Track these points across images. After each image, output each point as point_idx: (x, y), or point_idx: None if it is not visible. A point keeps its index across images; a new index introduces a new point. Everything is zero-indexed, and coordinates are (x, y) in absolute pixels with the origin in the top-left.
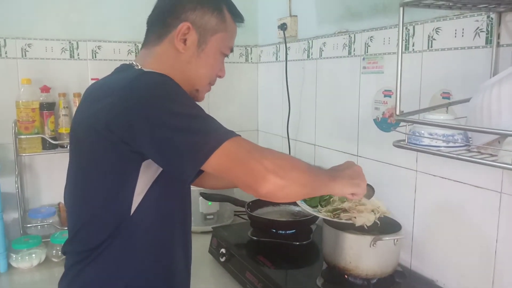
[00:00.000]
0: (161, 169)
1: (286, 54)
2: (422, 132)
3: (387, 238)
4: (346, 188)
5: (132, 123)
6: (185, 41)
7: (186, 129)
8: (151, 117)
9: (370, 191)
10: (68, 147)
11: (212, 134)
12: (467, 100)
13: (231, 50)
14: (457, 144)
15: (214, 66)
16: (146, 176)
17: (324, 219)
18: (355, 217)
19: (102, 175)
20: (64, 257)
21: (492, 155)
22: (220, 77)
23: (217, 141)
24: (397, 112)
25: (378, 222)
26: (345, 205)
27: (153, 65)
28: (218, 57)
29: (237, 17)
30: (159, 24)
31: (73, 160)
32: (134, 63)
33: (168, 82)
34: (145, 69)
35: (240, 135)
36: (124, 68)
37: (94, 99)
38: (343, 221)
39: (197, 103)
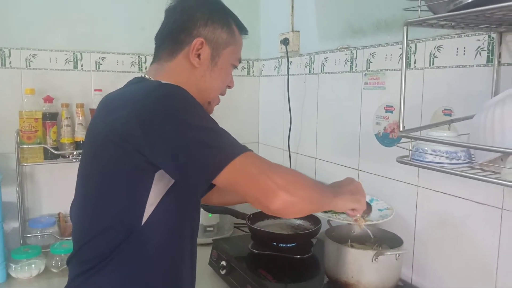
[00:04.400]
0: (173, 180)
1: (288, 68)
2: (426, 148)
3: (389, 253)
4: (348, 204)
5: (148, 133)
6: (199, 55)
7: (200, 142)
8: (167, 128)
9: (368, 208)
10: (70, 157)
11: (224, 149)
12: (470, 117)
13: (240, 61)
14: (460, 161)
15: (226, 78)
16: (159, 187)
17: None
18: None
19: (115, 184)
20: (64, 267)
21: (495, 173)
22: (229, 87)
23: (229, 155)
24: (401, 129)
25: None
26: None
27: (167, 79)
28: (229, 69)
29: (243, 30)
30: (171, 41)
31: (85, 169)
32: (146, 76)
33: (185, 95)
34: (163, 81)
35: (252, 150)
36: (139, 80)
37: (110, 110)
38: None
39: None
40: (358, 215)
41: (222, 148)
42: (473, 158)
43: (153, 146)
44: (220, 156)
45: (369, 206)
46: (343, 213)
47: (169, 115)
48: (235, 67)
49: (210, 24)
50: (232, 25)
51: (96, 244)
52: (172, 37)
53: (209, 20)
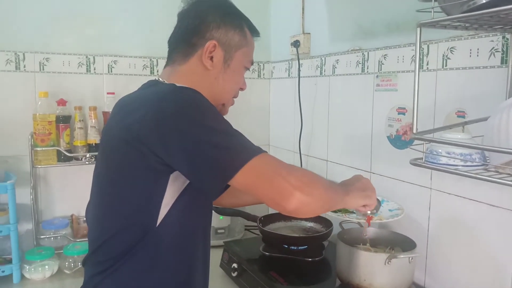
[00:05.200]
0: (187, 182)
1: (299, 70)
2: (440, 150)
3: (402, 256)
4: (358, 201)
5: (165, 136)
6: (211, 58)
7: (215, 144)
8: (183, 131)
9: (377, 203)
10: (82, 159)
11: (240, 151)
12: (484, 119)
13: (252, 63)
14: (474, 163)
15: (238, 80)
16: (174, 188)
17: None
18: None
19: (131, 186)
20: (77, 269)
21: (510, 175)
22: (242, 89)
23: (244, 158)
24: (414, 131)
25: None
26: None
27: (180, 82)
28: (242, 71)
29: (255, 32)
30: (184, 44)
31: (101, 172)
32: (160, 79)
33: (200, 98)
34: (178, 84)
35: (266, 152)
36: (153, 84)
37: (126, 113)
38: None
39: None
40: (369, 211)
41: (237, 150)
42: (488, 160)
43: (169, 149)
44: (236, 158)
45: (378, 202)
46: (353, 211)
47: (185, 119)
48: (248, 69)
49: (222, 26)
50: (244, 27)
51: (112, 245)
52: (185, 40)
53: (221, 22)
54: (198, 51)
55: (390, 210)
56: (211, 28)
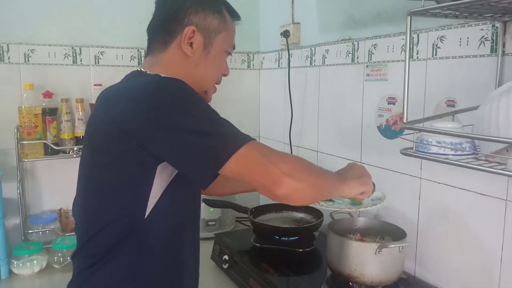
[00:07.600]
0: (175, 173)
1: (289, 61)
2: (430, 140)
3: (393, 246)
4: (355, 188)
5: (153, 127)
6: (191, 44)
7: (204, 133)
8: (172, 122)
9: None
10: (70, 152)
11: (230, 139)
12: (474, 108)
13: (234, 48)
14: (465, 153)
15: (220, 65)
16: (161, 179)
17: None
18: None
19: (117, 178)
20: (66, 263)
21: (500, 164)
22: (225, 75)
23: (235, 146)
24: (405, 120)
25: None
26: None
27: (163, 72)
28: (223, 56)
29: (235, 16)
30: (163, 31)
31: (86, 164)
32: (143, 69)
33: (185, 88)
34: (163, 75)
35: (255, 139)
36: (137, 75)
37: (110, 105)
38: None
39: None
40: (368, 197)
41: (227, 139)
42: (478, 149)
43: (157, 141)
44: (226, 147)
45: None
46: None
47: (171, 109)
48: (229, 54)
49: (200, 11)
50: (224, 11)
51: (101, 239)
52: (163, 28)
53: (199, 7)
54: (177, 38)
55: (372, 200)
56: (189, 14)
